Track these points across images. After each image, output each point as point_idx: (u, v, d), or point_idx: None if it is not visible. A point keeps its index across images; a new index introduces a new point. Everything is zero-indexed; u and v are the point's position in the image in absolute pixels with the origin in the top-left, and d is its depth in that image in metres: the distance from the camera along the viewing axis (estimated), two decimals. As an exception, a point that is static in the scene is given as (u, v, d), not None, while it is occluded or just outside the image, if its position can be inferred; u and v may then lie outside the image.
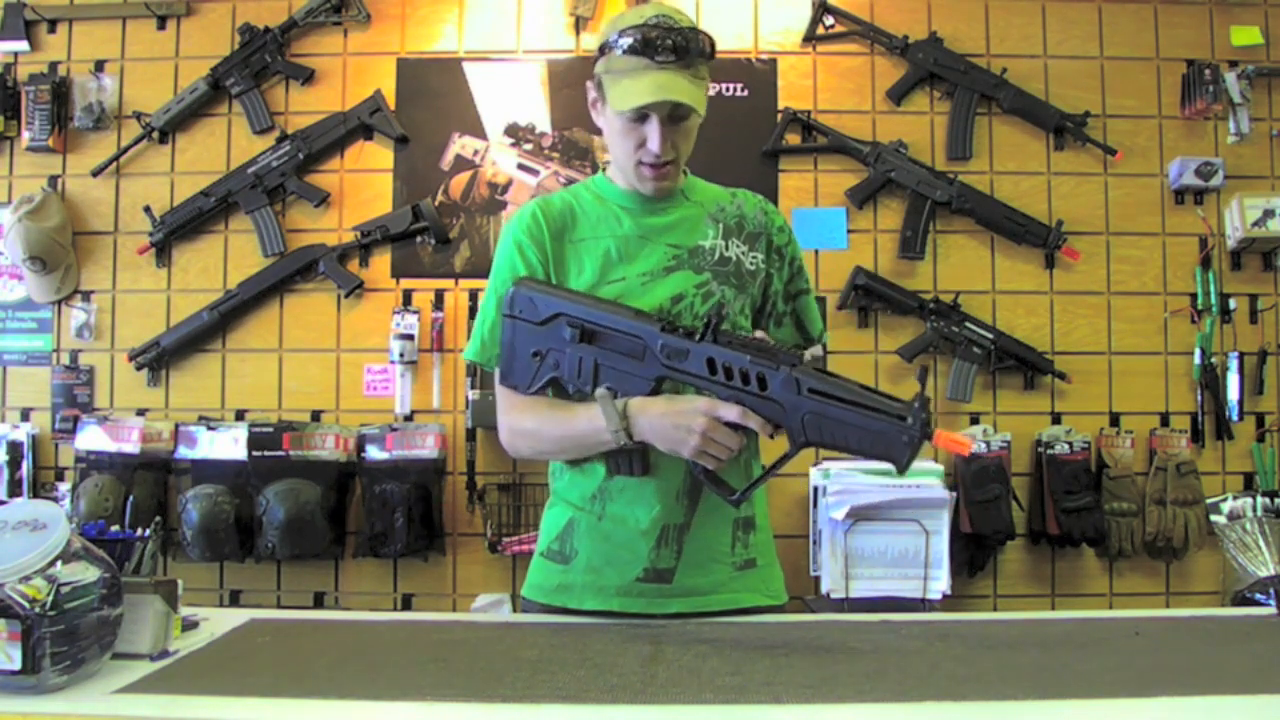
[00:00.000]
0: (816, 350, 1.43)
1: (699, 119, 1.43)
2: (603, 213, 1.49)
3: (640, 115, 1.38)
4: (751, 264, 1.50)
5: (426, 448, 2.73)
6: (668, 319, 1.36)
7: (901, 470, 1.21)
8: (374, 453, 2.73)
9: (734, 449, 1.30)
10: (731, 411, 1.28)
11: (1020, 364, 2.78)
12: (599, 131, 1.51)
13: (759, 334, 1.38)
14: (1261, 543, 1.83)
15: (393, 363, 2.78)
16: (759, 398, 1.27)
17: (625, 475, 1.41)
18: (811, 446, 1.26)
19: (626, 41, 1.37)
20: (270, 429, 2.71)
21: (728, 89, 2.85)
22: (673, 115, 1.39)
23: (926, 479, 2.44)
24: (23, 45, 2.90)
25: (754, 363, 1.27)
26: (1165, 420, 2.81)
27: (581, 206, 1.50)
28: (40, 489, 2.81)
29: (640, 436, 1.34)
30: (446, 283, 2.86)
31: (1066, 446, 2.71)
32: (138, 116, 2.86)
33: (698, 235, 1.49)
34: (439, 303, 2.84)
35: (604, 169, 1.55)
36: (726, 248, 1.49)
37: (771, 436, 1.31)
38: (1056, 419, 2.81)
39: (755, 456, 1.53)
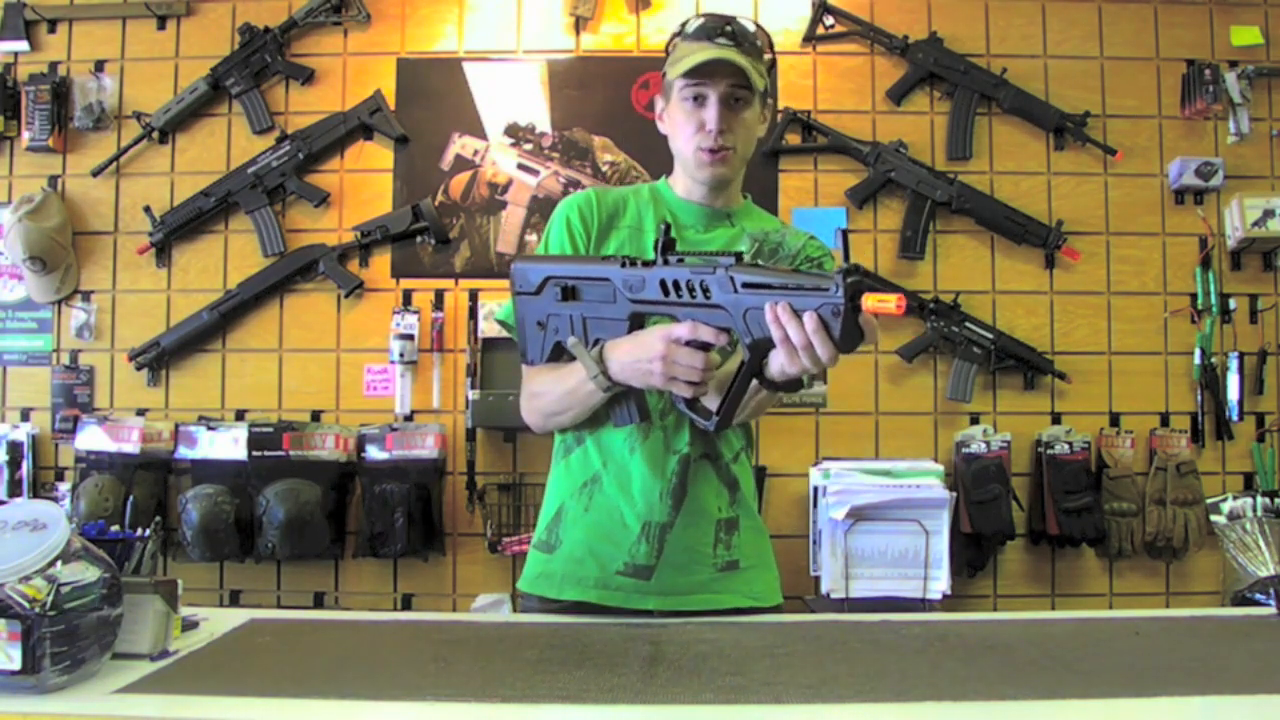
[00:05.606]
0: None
1: (758, 116, 1.49)
2: (652, 210, 1.54)
3: (699, 96, 1.44)
4: None
5: (426, 448, 2.73)
6: (629, 256, 1.35)
7: (841, 348, 1.13)
8: (374, 453, 2.73)
9: (699, 367, 1.26)
10: (682, 328, 1.27)
11: (1020, 364, 2.78)
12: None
13: None
14: (1261, 543, 1.83)
15: (393, 363, 2.78)
16: (706, 307, 1.25)
17: (626, 424, 1.42)
18: (762, 347, 1.21)
19: (689, 28, 1.47)
20: (270, 429, 2.71)
21: (728, 89, 2.85)
22: (730, 99, 1.44)
23: (926, 479, 2.44)
24: (23, 45, 2.90)
25: (695, 272, 1.25)
26: (1165, 420, 2.81)
27: (637, 200, 1.55)
28: (40, 489, 2.81)
29: (617, 378, 1.34)
30: (446, 283, 2.86)
31: (1066, 446, 2.71)
32: (138, 116, 2.86)
33: (732, 249, 1.50)
34: (439, 303, 2.84)
35: (665, 177, 1.60)
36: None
37: (731, 346, 1.30)
38: (1056, 419, 2.81)
39: (749, 450, 1.55)
